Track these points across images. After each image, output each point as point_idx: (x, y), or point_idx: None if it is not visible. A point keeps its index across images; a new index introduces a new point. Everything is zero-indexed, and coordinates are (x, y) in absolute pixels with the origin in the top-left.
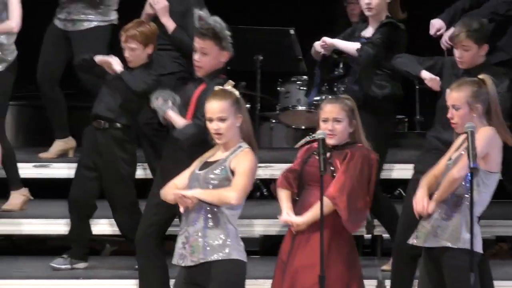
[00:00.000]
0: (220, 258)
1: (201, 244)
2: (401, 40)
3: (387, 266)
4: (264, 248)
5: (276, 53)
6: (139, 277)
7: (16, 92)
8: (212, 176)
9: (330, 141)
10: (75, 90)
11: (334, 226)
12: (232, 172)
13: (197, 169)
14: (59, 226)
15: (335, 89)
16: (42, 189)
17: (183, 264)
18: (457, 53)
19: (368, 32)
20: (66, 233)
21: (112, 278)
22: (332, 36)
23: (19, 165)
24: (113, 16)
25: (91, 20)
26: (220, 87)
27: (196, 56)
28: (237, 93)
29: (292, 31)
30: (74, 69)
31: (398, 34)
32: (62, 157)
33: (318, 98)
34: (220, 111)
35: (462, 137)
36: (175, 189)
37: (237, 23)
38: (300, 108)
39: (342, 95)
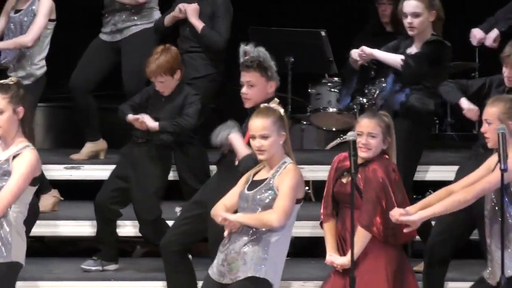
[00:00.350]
0: (254, 275)
1: (239, 262)
2: (447, 57)
3: (418, 267)
4: (295, 249)
5: (307, 55)
6: (166, 281)
7: (47, 93)
8: (259, 197)
9: (363, 154)
10: (106, 92)
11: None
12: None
13: (246, 189)
14: (90, 228)
15: (366, 91)
16: (73, 191)
17: (223, 282)
18: (506, 72)
19: (413, 50)
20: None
21: (143, 280)
22: (364, 38)
23: (50, 166)
24: (157, 16)
25: (137, 24)
26: (266, 104)
27: (243, 89)
28: (281, 111)
29: (323, 33)
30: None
31: (444, 51)
32: (93, 158)
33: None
34: (262, 129)
35: (494, 159)
36: (223, 209)
37: (269, 25)
38: (331, 110)
39: (381, 111)
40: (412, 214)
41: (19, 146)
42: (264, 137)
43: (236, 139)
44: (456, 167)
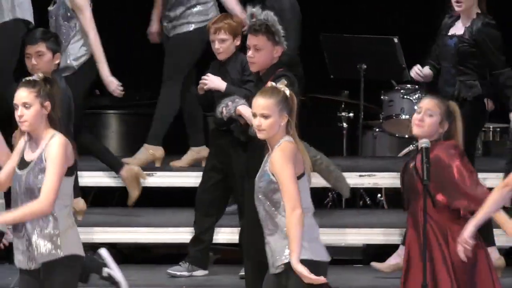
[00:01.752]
0: (287, 261)
1: (269, 253)
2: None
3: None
4: (367, 257)
5: (380, 62)
6: None
7: (120, 101)
8: (260, 185)
9: (415, 130)
10: None
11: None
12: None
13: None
14: (163, 235)
15: None
16: (147, 198)
17: (270, 272)
18: None
19: (459, 28)
20: (171, 241)
21: (215, 287)
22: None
23: None
24: (211, 14)
25: (190, 22)
26: (272, 83)
27: (249, 53)
28: (287, 92)
29: (396, 40)
30: None
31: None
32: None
33: None
34: (263, 108)
35: None
36: None
37: (342, 32)
38: (403, 117)
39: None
40: None
41: (47, 138)
42: (264, 116)
43: (245, 110)
44: None
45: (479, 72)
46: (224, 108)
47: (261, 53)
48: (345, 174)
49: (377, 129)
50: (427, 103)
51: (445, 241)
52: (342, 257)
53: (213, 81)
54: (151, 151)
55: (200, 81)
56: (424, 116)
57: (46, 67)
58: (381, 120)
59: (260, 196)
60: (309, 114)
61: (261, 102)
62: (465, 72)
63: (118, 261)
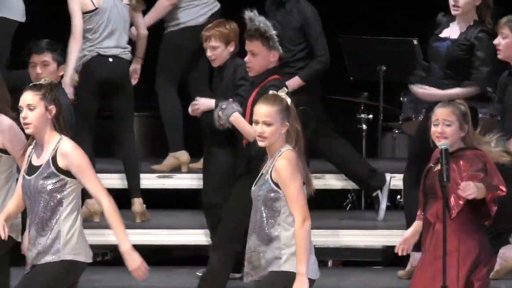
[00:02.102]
0: (275, 269)
1: (261, 261)
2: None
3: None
4: (387, 259)
5: (399, 64)
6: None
7: (140, 103)
8: (259, 194)
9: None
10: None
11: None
12: (276, 184)
13: (254, 184)
14: (182, 237)
15: None
16: (165, 200)
17: (248, 281)
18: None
19: (454, 31)
20: (190, 243)
21: None
22: None
23: (143, 175)
24: (185, 18)
25: (179, 24)
26: (274, 92)
27: (246, 58)
28: (288, 100)
29: (415, 41)
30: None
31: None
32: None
33: None
34: (266, 116)
35: None
36: None
37: (361, 34)
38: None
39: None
40: None
41: (54, 142)
42: (267, 123)
43: (239, 121)
44: None
45: (465, 79)
46: (220, 121)
47: (257, 58)
48: None
49: (396, 131)
50: (442, 113)
51: (457, 248)
52: (361, 258)
53: (202, 103)
54: (175, 156)
55: (192, 107)
56: (443, 127)
57: (50, 78)
58: (400, 122)
59: (258, 204)
60: (328, 116)
61: (263, 109)
62: (451, 77)
63: None
